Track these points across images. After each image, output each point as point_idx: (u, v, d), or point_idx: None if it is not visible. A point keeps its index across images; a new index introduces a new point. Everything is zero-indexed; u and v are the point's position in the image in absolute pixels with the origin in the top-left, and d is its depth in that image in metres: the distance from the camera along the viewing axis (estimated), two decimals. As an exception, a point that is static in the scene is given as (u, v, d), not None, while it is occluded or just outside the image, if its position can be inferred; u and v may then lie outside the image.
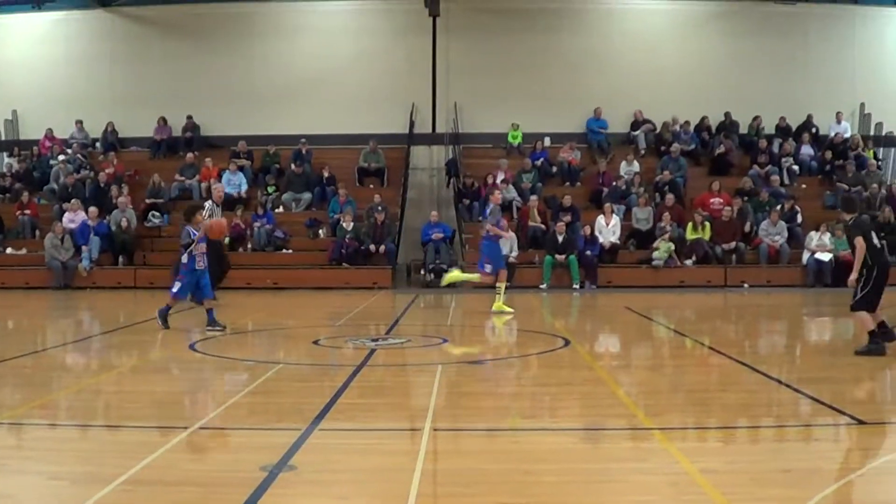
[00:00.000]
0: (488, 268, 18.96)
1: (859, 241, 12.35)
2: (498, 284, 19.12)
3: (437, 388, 10.29)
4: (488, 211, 19.55)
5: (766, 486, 6.35)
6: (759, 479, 6.53)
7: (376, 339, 14.86)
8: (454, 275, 20.48)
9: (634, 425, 8.51)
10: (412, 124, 32.17)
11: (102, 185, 29.07)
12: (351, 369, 11.34)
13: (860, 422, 8.31)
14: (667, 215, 27.20)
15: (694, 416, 9.05)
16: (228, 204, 28.35)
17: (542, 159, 30.74)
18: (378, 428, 8.44)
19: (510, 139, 32.09)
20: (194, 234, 15.47)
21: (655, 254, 26.41)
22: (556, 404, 9.82)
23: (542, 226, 27.27)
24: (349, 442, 7.82)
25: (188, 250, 15.43)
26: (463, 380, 11.30)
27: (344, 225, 27.18)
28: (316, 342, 14.37)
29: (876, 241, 12.51)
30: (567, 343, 14.17)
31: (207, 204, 17.72)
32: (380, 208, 27.77)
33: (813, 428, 8.45)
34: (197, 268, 15.49)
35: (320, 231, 28.12)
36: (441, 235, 27.17)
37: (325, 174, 30.11)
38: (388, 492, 6.34)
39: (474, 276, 19.68)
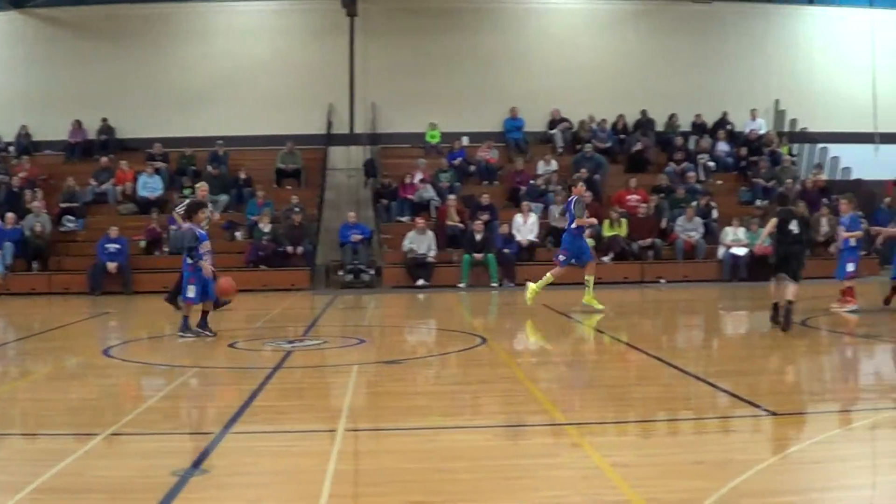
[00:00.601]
0: (562, 257, 18.61)
1: (772, 220, 15.18)
2: (587, 278, 18.64)
3: (353, 389, 10.29)
4: (572, 204, 18.46)
5: (676, 478, 6.45)
6: (670, 471, 6.63)
7: (293, 341, 14.77)
8: (532, 288, 18.97)
9: (549, 422, 8.55)
10: (330, 125, 32.04)
11: (16, 189, 28.54)
12: (267, 371, 11.27)
13: (772, 413, 8.44)
14: (584, 213, 27.34)
15: (609, 412, 9.14)
16: (144, 207, 28.19)
17: (460, 158, 30.79)
18: (292, 430, 8.41)
19: (428, 138, 32.07)
20: (202, 236, 14.88)
21: (573, 251, 26.52)
22: (473, 402, 9.85)
23: (461, 225, 27.23)
24: (263, 444, 7.78)
25: (192, 253, 14.72)
26: (379, 380, 11.30)
27: (261, 227, 26.98)
28: (232, 345, 14.25)
29: (794, 227, 14.78)
30: (484, 341, 14.21)
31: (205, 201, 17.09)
32: (297, 209, 27.62)
33: (726, 420, 8.61)
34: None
35: (237, 233, 27.86)
36: (360, 236, 27.05)
37: (242, 176, 29.86)
38: (301, 493, 6.33)
39: (548, 279, 18.78)
